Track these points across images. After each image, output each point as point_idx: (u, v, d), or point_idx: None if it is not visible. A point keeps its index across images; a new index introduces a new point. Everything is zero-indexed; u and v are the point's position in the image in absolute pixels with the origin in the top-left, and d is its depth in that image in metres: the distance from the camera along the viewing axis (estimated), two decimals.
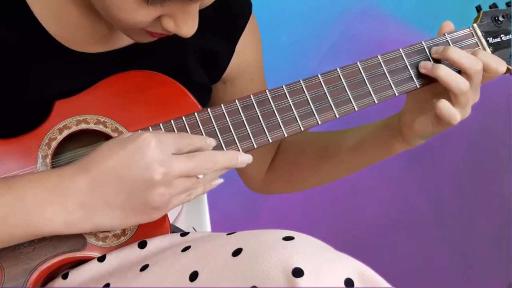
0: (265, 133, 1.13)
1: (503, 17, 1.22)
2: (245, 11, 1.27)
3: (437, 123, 1.17)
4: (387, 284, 0.95)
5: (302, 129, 1.14)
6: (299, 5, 2.17)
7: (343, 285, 0.92)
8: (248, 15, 1.27)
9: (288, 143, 1.35)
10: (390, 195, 2.33)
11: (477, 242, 2.36)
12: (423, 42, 1.18)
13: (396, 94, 1.17)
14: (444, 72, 1.15)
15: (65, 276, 1.09)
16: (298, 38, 2.17)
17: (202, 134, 1.12)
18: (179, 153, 1.04)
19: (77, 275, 1.09)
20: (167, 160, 1.02)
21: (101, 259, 1.09)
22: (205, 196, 1.49)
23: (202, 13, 1.19)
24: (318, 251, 0.95)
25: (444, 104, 1.14)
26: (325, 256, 0.94)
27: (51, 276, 1.10)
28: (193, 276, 0.98)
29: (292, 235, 0.96)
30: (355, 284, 0.92)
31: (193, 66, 1.21)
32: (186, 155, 1.04)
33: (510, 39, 1.21)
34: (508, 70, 1.21)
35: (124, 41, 1.17)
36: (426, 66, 1.17)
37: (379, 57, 1.17)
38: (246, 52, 1.27)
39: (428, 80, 1.18)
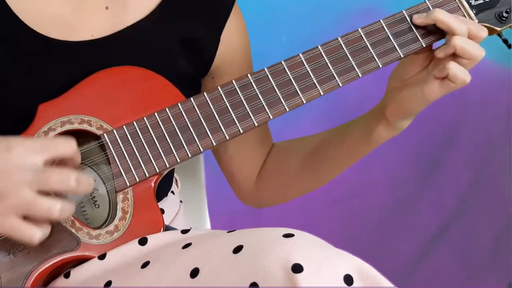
0: (251, 117, 1.13)
1: None
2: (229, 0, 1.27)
3: (440, 86, 1.16)
4: (386, 281, 0.95)
5: (287, 109, 1.14)
6: (299, 5, 2.17)
7: (342, 281, 0.92)
8: (231, 3, 1.27)
9: (276, 148, 1.35)
10: (390, 195, 2.33)
11: (477, 242, 2.36)
12: (403, 11, 1.18)
13: (380, 66, 1.17)
14: (442, 13, 1.15)
15: (67, 275, 1.10)
16: (298, 38, 2.18)
17: (187, 124, 1.12)
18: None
19: (78, 273, 1.09)
20: None
21: (102, 257, 1.09)
22: (205, 196, 1.49)
23: (187, 2, 1.19)
24: (317, 247, 0.95)
25: (455, 65, 1.14)
26: (325, 253, 0.94)
27: (52, 276, 1.10)
28: (194, 273, 0.98)
29: (292, 232, 0.96)
30: (354, 281, 0.92)
31: (176, 57, 1.21)
32: None
33: None
34: (493, 31, 1.20)
35: (106, 30, 1.17)
36: (420, 16, 1.17)
37: (359, 30, 1.17)
38: (234, 44, 1.28)
39: (411, 49, 1.17)
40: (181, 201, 1.34)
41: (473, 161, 2.36)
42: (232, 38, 1.27)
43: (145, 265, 1.04)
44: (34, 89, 1.14)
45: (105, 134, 1.11)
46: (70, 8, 1.14)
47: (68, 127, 1.11)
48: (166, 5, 1.20)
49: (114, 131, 1.11)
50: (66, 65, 1.15)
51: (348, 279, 0.92)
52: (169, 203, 1.28)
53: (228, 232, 1.03)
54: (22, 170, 1.00)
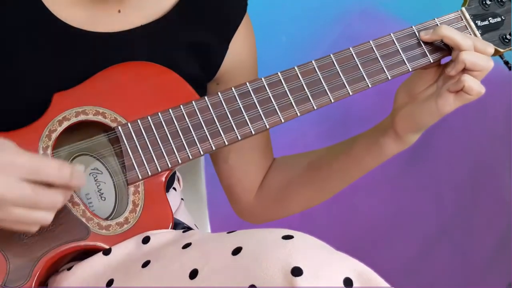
0: (263, 119, 1.16)
1: (490, 0, 1.24)
2: (240, 10, 1.28)
3: (455, 98, 1.16)
4: (386, 284, 0.95)
5: (299, 114, 1.17)
6: (299, 5, 2.17)
7: (342, 284, 0.92)
8: (242, 14, 1.28)
9: (277, 163, 1.35)
10: (390, 195, 2.33)
11: (477, 242, 2.36)
12: (413, 27, 1.21)
13: (389, 78, 1.19)
14: (448, 29, 1.18)
15: (70, 269, 1.10)
16: (298, 38, 2.17)
17: (200, 122, 1.14)
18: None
19: (81, 268, 1.10)
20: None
21: (107, 252, 1.09)
22: (205, 196, 1.49)
23: (197, 8, 1.20)
24: (317, 250, 0.95)
25: (469, 77, 1.15)
26: (324, 256, 0.94)
27: (55, 267, 1.11)
28: (193, 274, 0.98)
29: (292, 234, 0.97)
30: (354, 284, 0.92)
31: (185, 59, 1.22)
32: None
33: (498, 22, 1.24)
34: (496, 52, 1.23)
35: (124, 25, 1.18)
36: (427, 33, 1.19)
37: (371, 42, 1.20)
38: (241, 53, 1.28)
39: (419, 64, 1.20)
40: (182, 199, 1.34)
41: (473, 161, 2.36)
42: (239, 49, 1.28)
43: (145, 264, 1.05)
44: (47, 79, 1.15)
45: (119, 127, 1.13)
46: (83, 11, 1.15)
47: (82, 117, 1.12)
48: (178, 11, 1.21)
49: (129, 124, 1.13)
50: (80, 54, 1.16)
51: (348, 282, 0.92)
52: (170, 199, 1.29)
53: (228, 233, 1.03)
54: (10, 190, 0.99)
